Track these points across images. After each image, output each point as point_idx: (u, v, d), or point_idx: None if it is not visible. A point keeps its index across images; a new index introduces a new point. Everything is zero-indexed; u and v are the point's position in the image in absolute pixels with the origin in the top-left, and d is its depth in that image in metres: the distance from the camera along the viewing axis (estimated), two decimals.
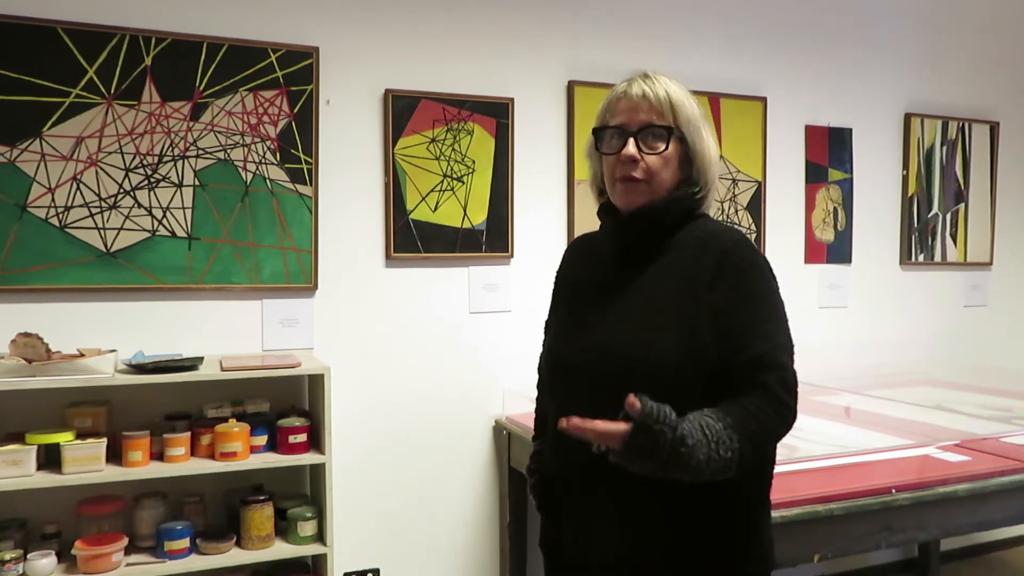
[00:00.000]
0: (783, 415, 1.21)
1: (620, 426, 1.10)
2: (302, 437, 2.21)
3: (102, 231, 2.24)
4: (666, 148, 1.29)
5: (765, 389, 1.20)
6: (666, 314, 1.24)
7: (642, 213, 1.31)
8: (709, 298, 1.23)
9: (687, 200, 1.32)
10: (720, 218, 3.05)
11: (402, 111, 2.57)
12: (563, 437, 1.28)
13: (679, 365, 1.21)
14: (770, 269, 1.29)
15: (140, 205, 2.28)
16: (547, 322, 1.50)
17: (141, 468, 2.05)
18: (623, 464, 1.12)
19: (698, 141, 1.32)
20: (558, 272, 1.51)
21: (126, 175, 2.27)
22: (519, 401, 2.65)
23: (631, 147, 1.29)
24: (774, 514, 1.76)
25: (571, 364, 1.34)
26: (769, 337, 1.23)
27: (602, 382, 1.26)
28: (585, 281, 1.41)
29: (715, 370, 1.21)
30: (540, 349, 1.52)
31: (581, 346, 1.32)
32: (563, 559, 1.39)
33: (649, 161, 1.29)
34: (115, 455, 2.09)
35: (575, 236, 2.77)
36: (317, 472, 2.31)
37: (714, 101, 3.03)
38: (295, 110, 2.43)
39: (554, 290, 1.51)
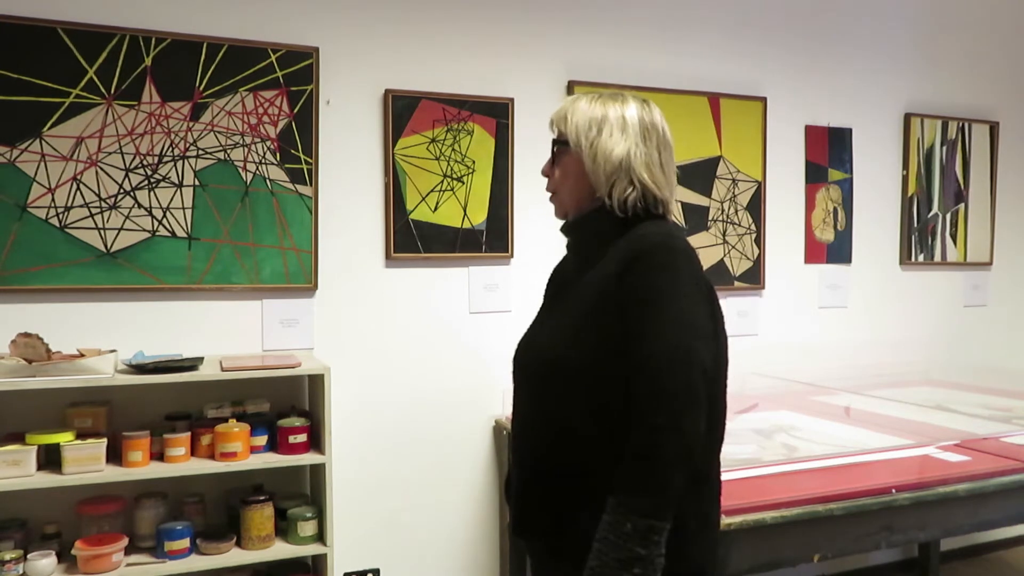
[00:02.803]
0: (658, 440, 1.17)
1: None
2: (302, 437, 2.21)
3: (102, 231, 2.24)
4: (558, 162, 1.41)
5: (647, 408, 1.18)
6: (586, 316, 1.30)
7: (566, 226, 1.45)
8: (619, 298, 1.26)
9: (601, 213, 1.37)
10: (720, 218, 3.05)
11: (402, 111, 2.57)
12: (512, 436, 1.44)
13: (593, 364, 1.27)
14: (692, 273, 1.27)
15: (140, 205, 2.28)
16: None
17: (141, 468, 2.05)
18: None
19: (583, 144, 1.36)
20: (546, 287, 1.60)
21: (126, 175, 2.27)
22: None
23: (546, 164, 1.45)
24: (774, 514, 1.78)
25: (517, 364, 1.45)
26: (662, 337, 1.20)
27: (531, 381, 1.39)
28: (551, 287, 1.54)
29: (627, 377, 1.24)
30: None
31: (524, 348, 1.44)
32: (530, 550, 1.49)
33: (555, 177, 1.43)
34: (115, 455, 2.09)
35: None
36: (317, 472, 2.31)
37: (714, 101, 3.03)
38: (295, 110, 2.43)
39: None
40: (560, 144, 1.41)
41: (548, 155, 1.46)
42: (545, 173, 1.45)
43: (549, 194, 1.46)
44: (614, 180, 1.34)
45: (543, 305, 1.53)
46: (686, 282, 1.26)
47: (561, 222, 1.48)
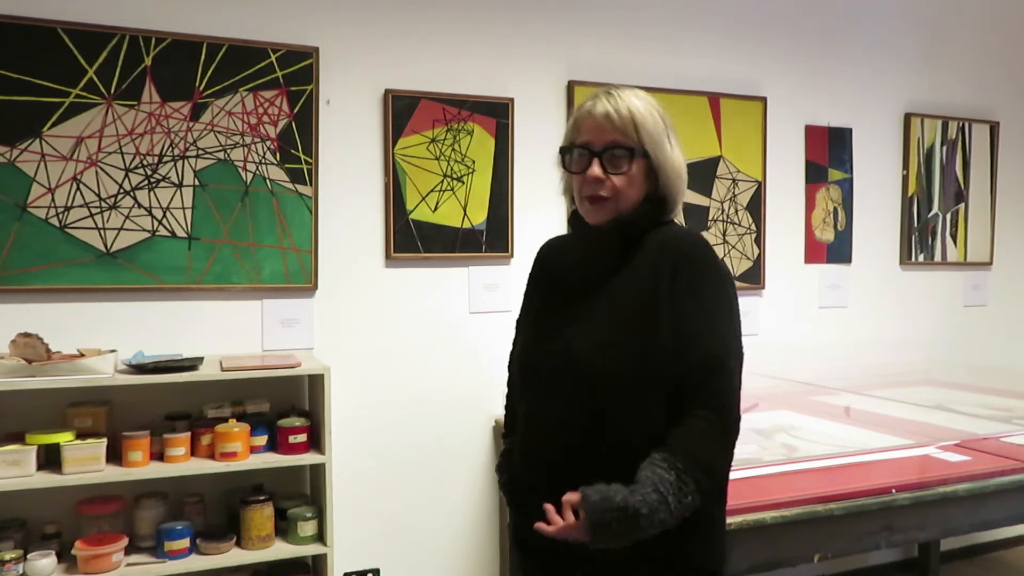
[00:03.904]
0: (728, 430, 1.26)
1: (579, 522, 1.18)
2: (302, 437, 2.21)
3: (102, 231, 2.24)
4: (629, 168, 1.33)
5: (713, 399, 1.24)
6: (629, 321, 1.28)
7: (611, 228, 1.35)
8: (668, 301, 1.27)
9: (654, 212, 1.37)
10: (720, 218, 3.06)
11: (402, 111, 2.57)
12: (531, 438, 1.38)
13: (639, 374, 1.25)
14: (728, 275, 1.33)
15: (140, 205, 2.28)
16: (518, 321, 1.52)
17: (141, 468, 2.05)
18: (604, 548, 1.19)
19: (661, 155, 1.35)
20: (531, 273, 1.53)
21: (126, 175, 2.27)
22: None
23: (596, 168, 1.33)
24: (774, 514, 1.78)
25: (539, 368, 1.38)
26: (721, 340, 1.27)
27: (567, 388, 1.31)
28: (557, 284, 1.44)
29: (677, 376, 1.25)
30: (511, 348, 1.54)
31: (549, 350, 1.37)
32: (535, 551, 1.40)
33: (615, 181, 1.33)
34: (115, 455, 2.09)
35: None
36: (317, 472, 2.31)
37: (714, 101, 3.03)
38: (295, 110, 2.43)
39: (526, 291, 1.53)
40: (626, 150, 1.32)
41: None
42: (598, 178, 1.32)
43: (597, 198, 1.34)
44: (678, 186, 1.38)
45: (554, 303, 1.43)
46: (726, 280, 1.31)
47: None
